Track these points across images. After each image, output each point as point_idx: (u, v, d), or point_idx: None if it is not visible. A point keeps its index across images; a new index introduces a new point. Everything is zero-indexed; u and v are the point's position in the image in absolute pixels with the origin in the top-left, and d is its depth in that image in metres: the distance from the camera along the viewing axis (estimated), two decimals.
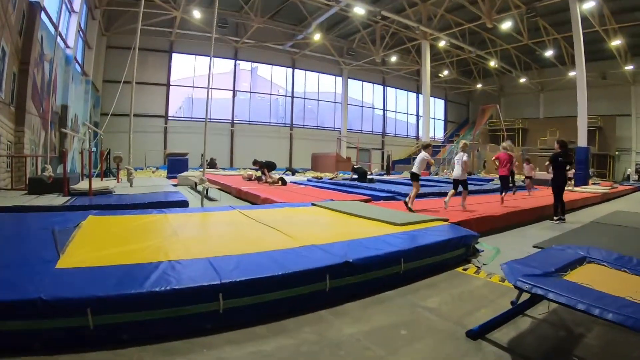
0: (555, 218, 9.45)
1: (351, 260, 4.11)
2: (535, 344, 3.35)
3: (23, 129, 12.13)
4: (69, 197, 9.28)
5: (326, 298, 3.93)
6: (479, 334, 3.35)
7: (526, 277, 3.24)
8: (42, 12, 13.20)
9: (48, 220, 5.60)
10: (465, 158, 9.11)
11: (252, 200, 10.92)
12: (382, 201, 11.37)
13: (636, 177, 33.51)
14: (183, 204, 9.23)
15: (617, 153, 36.79)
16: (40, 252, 3.99)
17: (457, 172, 9.21)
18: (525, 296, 3.47)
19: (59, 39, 16.57)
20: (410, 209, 8.21)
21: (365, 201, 10.38)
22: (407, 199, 8.56)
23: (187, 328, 3.17)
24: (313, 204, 8.44)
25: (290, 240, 4.88)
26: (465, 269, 5.35)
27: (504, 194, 10.29)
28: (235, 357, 2.93)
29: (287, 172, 27.59)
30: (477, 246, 6.12)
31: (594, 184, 21.67)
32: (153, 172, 24.72)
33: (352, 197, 11.03)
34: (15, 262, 3.65)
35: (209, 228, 5.81)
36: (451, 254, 5.47)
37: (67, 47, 17.93)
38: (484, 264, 5.53)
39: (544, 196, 11.73)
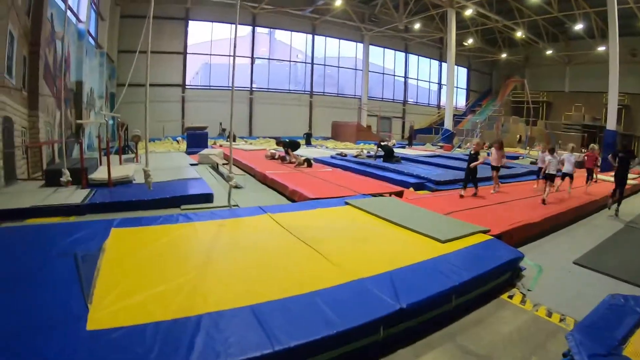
0: (609, 209, 10.26)
1: (405, 307, 3.73)
2: None
3: (37, 114, 11.71)
4: (88, 190, 8.98)
5: (378, 348, 3.60)
6: None
7: (594, 357, 3.12)
8: None
9: (67, 238, 5.18)
10: (572, 159, 11.12)
11: (280, 189, 10.49)
12: (412, 189, 11.30)
13: None
14: (208, 197, 8.95)
15: None
16: (66, 299, 3.57)
17: (568, 168, 10.94)
18: None
19: (70, 14, 15.94)
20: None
21: (398, 193, 10.01)
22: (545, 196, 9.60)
23: None
24: (346, 203, 7.95)
25: (335, 270, 4.46)
26: (510, 297, 5.01)
27: (589, 183, 12.34)
28: None
29: (304, 137, 27.24)
30: None
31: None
32: (177, 143, 24.31)
33: (383, 186, 10.73)
34: (40, 318, 3.24)
35: (243, 249, 5.25)
36: (498, 280, 5.11)
37: (79, 21, 17.28)
38: (528, 290, 5.18)
39: (575, 196, 10.86)
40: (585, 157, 13.15)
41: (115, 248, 4.89)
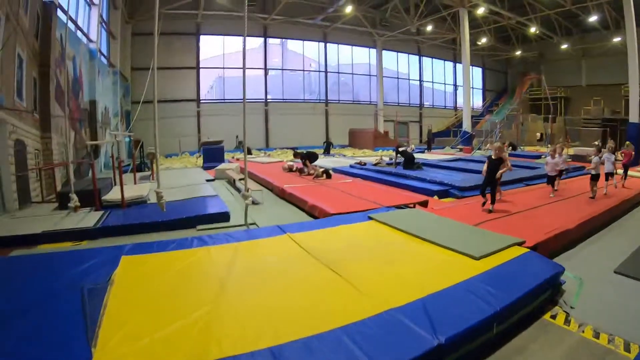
0: None
1: (444, 342, 3.31)
2: None
3: (50, 135, 11.63)
4: (102, 213, 8.76)
5: None
6: None
7: None
8: (58, 10, 12.40)
9: (76, 268, 4.92)
10: (613, 159, 11.10)
11: (299, 204, 10.11)
12: (436, 197, 10.90)
13: None
14: (224, 216, 8.61)
15: None
16: (68, 341, 3.28)
17: (610, 168, 10.91)
18: None
19: (80, 34, 15.91)
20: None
21: (422, 203, 9.63)
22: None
23: None
24: (370, 218, 7.55)
25: (362, 299, 4.05)
26: (553, 317, 4.57)
27: (625, 179, 12.46)
28: None
29: (324, 146, 27.16)
30: None
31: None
32: (197, 158, 23.99)
33: (406, 196, 10.40)
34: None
35: (260, 277, 4.83)
36: (539, 299, 4.68)
37: (90, 41, 17.33)
38: (571, 307, 4.76)
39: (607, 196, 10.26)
40: (622, 154, 13.25)
41: (124, 280, 4.58)
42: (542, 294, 4.69)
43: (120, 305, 3.94)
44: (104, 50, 20.74)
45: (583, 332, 4.21)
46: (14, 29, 9.68)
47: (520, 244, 5.90)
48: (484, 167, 8.93)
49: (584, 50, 40.70)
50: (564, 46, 38.99)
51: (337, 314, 3.71)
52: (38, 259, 5.65)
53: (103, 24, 20.13)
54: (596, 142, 11.61)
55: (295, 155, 15.91)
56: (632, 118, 20.63)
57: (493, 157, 8.86)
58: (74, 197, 8.24)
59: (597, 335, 4.12)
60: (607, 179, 10.89)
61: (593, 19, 31.76)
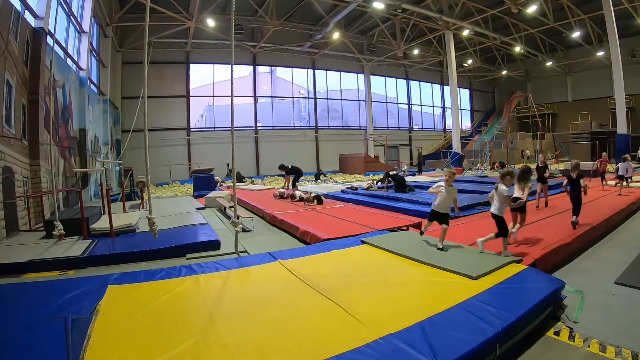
0: None
1: None
2: None
3: (38, 163, 11.50)
4: (90, 242, 8.55)
5: None
6: None
7: None
8: (48, 37, 12.36)
9: (61, 298, 4.77)
10: (632, 167, 13.04)
11: (290, 230, 9.93)
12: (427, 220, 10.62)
13: None
14: (215, 244, 8.42)
15: None
16: None
17: (629, 174, 12.95)
18: None
19: (70, 62, 15.89)
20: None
21: (416, 225, 9.48)
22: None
23: None
24: (363, 242, 7.44)
25: (359, 327, 3.87)
26: (557, 333, 4.41)
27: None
28: None
29: (318, 175, 27.20)
30: None
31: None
32: (186, 191, 23.76)
33: (399, 219, 10.23)
34: None
35: (251, 307, 4.61)
36: (542, 316, 4.52)
37: (80, 69, 17.33)
38: (574, 322, 4.61)
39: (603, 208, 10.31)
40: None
41: (110, 310, 4.41)
42: (544, 310, 4.56)
43: (105, 336, 3.77)
44: (94, 78, 20.80)
45: (589, 346, 4.08)
46: (3, 54, 9.62)
47: (518, 261, 5.82)
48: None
49: (569, 66, 41.61)
50: (549, 63, 39.76)
51: (332, 342, 3.54)
52: (22, 288, 5.50)
53: (93, 52, 20.24)
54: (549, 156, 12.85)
55: (281, 167, 15.96)
56: (620, 129, 20.92)
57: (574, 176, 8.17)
58: (59, 225, 8.10)
59: (603, 348, 3.99)
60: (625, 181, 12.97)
61: (576, 35, 32.39)
